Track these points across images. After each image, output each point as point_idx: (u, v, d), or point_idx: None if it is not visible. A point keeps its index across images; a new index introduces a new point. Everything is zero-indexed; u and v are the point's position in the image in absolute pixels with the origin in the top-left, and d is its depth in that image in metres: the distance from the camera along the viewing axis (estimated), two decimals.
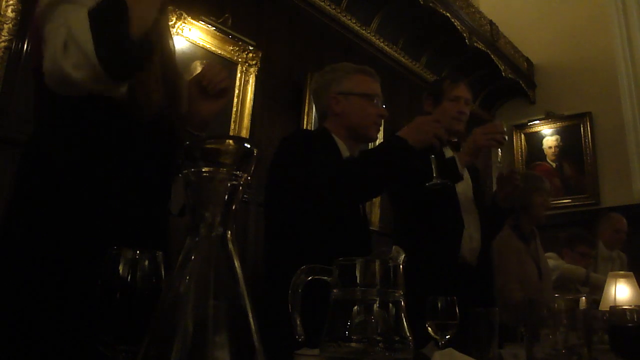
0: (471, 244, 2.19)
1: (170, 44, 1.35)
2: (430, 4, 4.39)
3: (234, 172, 0.47)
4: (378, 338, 0.58)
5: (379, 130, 1.93)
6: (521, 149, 5.71)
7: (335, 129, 1.87)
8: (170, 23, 2.80)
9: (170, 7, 2.04)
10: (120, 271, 0.74)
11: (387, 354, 0.58)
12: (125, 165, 1.19)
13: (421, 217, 2.14)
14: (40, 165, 1.16)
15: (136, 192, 1.19)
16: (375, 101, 1.88)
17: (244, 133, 3.25)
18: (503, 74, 5.35)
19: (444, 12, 4.55)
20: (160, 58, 1.23)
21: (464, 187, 2.23)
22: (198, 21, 3.10)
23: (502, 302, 2.53)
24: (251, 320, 0.46)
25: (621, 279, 2.45)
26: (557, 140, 5.54)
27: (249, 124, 3.31)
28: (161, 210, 1.27)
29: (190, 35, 3.06)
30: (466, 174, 2.20)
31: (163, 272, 0.76)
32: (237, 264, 0.47)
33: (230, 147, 0.48)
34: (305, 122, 3.67)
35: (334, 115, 1.88)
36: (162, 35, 1.28)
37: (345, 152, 1.84)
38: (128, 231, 1.12)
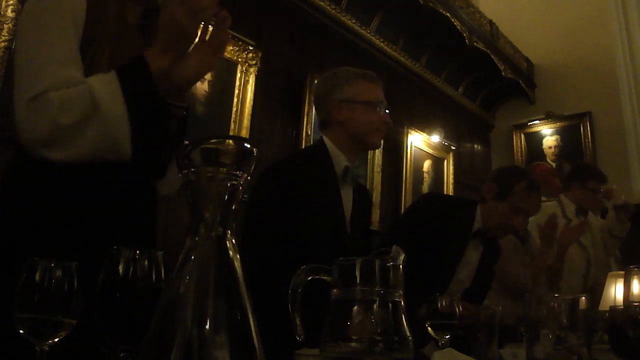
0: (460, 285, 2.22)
1: None
2: (430, 4, 4.39)
3: (234, 172, 0.47)
4: (378, 338, 0.58)
5: (382, 137, 1.92)
6: (521, 149, 5.71)
7: (336, 138, 1.86)
8: None
9: None
10: (120, 271, 0.74)
11: (387, 353, 0.58)
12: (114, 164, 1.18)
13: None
14: (30, 165, 1.15)
15: (125, 191, 1.19)
16: (378, 108, 1.86)
17: (244, 133, 3.25)
18: (503, 74, 5.36)
19: (444, 12, 4.55)
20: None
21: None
22: None
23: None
24: (251, 320, 0.46)
25: (621, 279, 2.45)
26: (557, 140, 5.54)
27: (249, 124, 3.31)
28: (148, 209, 1.26)
29: None
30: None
31: (163, 272, 0.76)
32: (237, 264, 0.47)
33: (230, 147, 0.48)
34: (305, 122, 3.67)
35: (337, 123, 1.86)
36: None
37: (341, 164, 1.83)
38: (117, 231, 1.12)
